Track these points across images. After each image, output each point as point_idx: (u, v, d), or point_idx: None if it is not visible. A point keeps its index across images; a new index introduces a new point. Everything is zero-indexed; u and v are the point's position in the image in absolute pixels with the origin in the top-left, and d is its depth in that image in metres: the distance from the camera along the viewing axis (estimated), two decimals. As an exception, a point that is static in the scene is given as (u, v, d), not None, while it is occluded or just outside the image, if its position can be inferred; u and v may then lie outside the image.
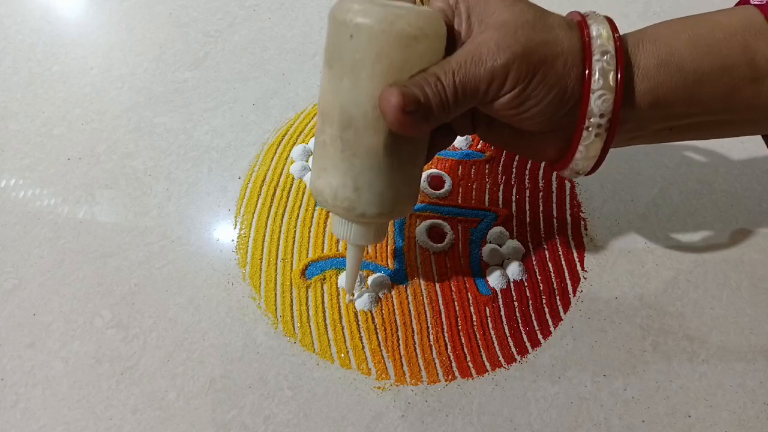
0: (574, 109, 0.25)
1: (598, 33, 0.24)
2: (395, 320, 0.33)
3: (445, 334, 0.33)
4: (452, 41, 0.25)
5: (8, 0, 0.50)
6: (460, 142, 0.41)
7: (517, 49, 0.24)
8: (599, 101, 0.24)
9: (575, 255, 0.36)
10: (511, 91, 0.24)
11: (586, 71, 0.24)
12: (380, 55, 0.24)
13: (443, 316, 0.34)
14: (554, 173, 0.40)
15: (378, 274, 0.35)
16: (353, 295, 0.34)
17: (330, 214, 0.30)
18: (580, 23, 0.25)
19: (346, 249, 0.36)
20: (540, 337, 0.33)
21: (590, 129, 0.25)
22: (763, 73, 0.25)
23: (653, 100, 0.25)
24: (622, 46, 0.24)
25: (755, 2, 0.26)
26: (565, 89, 0.24)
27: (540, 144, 0.27)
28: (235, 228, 0.37)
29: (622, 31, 0.25)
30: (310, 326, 0.33)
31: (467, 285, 0.35)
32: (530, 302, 0.34)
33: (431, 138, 0.28)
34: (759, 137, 0.43)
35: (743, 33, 0.25)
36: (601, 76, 0.24)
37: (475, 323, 0.33)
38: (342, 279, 0.35)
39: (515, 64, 0.24)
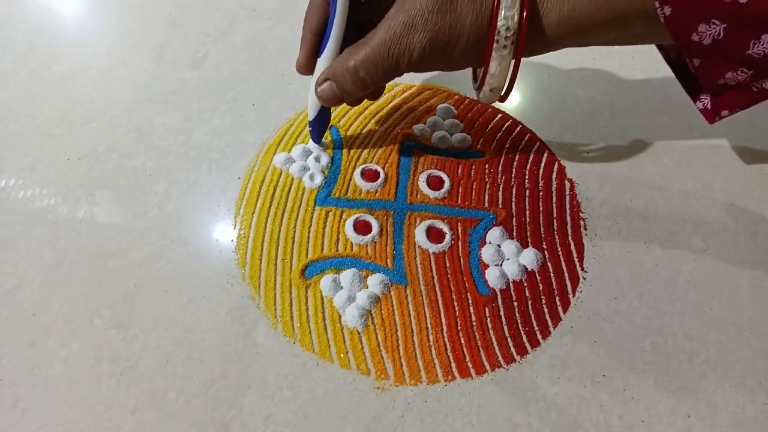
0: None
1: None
2: (395, 320, 0.33)
3: (445, 335, 0.33)
4: None
5: (8, 0, 0.50)
6: (459, 141, 0.41)
7: (425, 41, 0.29)
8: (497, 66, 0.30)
9: (575, 255, 0.36)
10: (421, 68, 0.31)
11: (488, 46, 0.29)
12: None
13: (442, 316, 0.34)
14: (554, 173, 0.40)
15: (378, 274, 0.35)
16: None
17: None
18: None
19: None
20: (539, 337, 0.33)
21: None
22: (653, 16, 0.27)
23: (548, 45, 0.30)
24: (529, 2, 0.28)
25: None
26: (470, 52, 0.30)
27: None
28: (234, 228, 0.37)
29: None
30: (309, 326, 0.33)
31: (467, 285, 0.35)
32: (530, 302, 0.34)
33: None
34: (760, 138, 0.43)
35: None
36: (503, 44, 0.29)
37: (474, 323, 0.33)
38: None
39: (426, 53, 0.29)
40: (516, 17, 0.28)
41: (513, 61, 0.30)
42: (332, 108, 0.40)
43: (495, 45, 0.29)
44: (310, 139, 0.40)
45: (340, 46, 0.33)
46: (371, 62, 0.30)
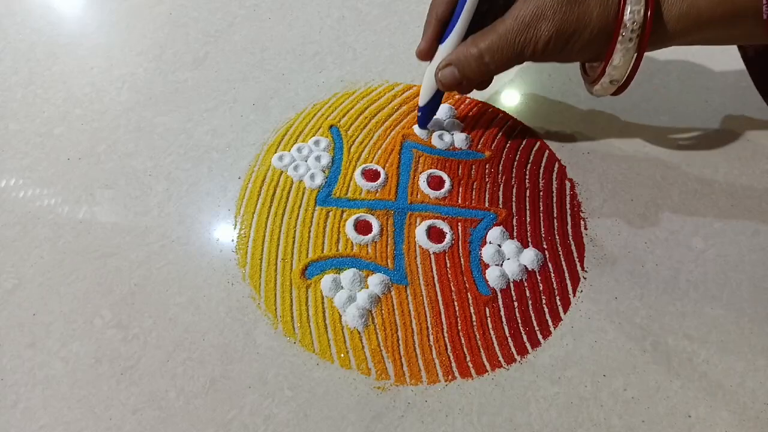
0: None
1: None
2: (395, 320, 0.33)
3: (445, 335, 0.33)
4: None
5: (8, 0, 0.50)
6: (460, 142, 0.41)
7: (552, 30, 0.31)
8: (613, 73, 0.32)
9: (575, 255, 0.36)
10: (543, 58, 0.32)
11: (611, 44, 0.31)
12: None
13: (443, 316, 0.34)
14: (554, 173, 0.40)
15: (378, 273, 0.35)
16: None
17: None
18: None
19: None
20: (540, 337, 0.33)
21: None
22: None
23: (667, 40, 0.32)
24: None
25: None
26: (591, 45, 0.32)
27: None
28: (234, 228, 0.37)
29: None
30: (309, 326, 0.33)
31: (467, 285, 0.35)
32: (530, 302, 0.34)
33: None
34: (760, 138, 0.43)
35: None
36: (626, 41, 0.30)
37: (474, 323, 0.33)
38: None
39: (551, 43, 0.31)
40: (642, 11, 0.30)
41: (635, 55, 0.31)
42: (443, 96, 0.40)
43: (620, 38, 0.30)
44: (416, 125, 0.41)
45: (465, 34, 0.34)
46: (497, 48, 0.32)
